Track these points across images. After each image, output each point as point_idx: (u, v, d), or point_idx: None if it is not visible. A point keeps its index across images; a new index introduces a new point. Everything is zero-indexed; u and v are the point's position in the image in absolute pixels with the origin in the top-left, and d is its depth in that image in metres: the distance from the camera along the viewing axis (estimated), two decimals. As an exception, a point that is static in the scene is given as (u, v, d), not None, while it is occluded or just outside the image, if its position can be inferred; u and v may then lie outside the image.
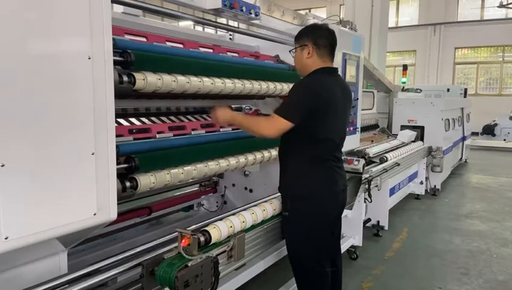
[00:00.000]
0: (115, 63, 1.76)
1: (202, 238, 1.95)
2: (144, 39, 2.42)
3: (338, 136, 2.43)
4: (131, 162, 2.01)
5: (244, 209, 2.43)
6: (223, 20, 2.83)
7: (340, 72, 3.35)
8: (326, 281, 2.49)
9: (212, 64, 2.52)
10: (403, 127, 6.25)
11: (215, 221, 2.19)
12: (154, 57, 2.13)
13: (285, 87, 3.05)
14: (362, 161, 3.68)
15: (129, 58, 1.92)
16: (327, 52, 2.36)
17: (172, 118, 2.78)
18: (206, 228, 2.04)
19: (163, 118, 2.72)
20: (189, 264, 1.73)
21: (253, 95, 2.91)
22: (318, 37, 2.34)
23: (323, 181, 2.37)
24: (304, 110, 2.19)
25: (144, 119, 2.62)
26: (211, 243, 2.01)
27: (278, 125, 2.18)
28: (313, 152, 2.33)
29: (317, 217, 2.35)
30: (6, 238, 1.29)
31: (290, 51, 2.56)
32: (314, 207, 2.34)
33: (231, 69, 2.66)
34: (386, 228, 4.64)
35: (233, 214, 2.31)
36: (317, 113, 2.21)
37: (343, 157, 3.68)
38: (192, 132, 2.66)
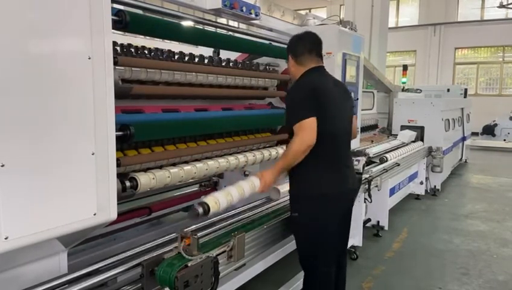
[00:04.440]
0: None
1: (201, 210, 2.10)
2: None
3: (343, 132, 2.44)
4: (126, 131, 1.96)
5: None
6: (223, 20, 2.83)
7: (340, 72, 3.39)
8: (331, 281, 2.50)
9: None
10: (403, 127, 6.25)
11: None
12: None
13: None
14: (362, 161, 3.68)
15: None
16: (309, 56, 2.42)
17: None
18: (204, 200, 2.15)
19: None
20: (189, 264, 1.73)
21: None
22: (295, 47, 2.45)
23: (335, 180, 2.37)
24: (313, 104, 2.23)
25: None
26: (209, 212, 2.13)
27: (308, 127, 2.19)
28: (323, 151, 2.29)
29: (328, 217, 2.35)
30: (6, 238, 1.29)
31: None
32: (325, 207, 2.33)
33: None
34: (386, 228, 4.64)
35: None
36: (319, 108, 2.24)
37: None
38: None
